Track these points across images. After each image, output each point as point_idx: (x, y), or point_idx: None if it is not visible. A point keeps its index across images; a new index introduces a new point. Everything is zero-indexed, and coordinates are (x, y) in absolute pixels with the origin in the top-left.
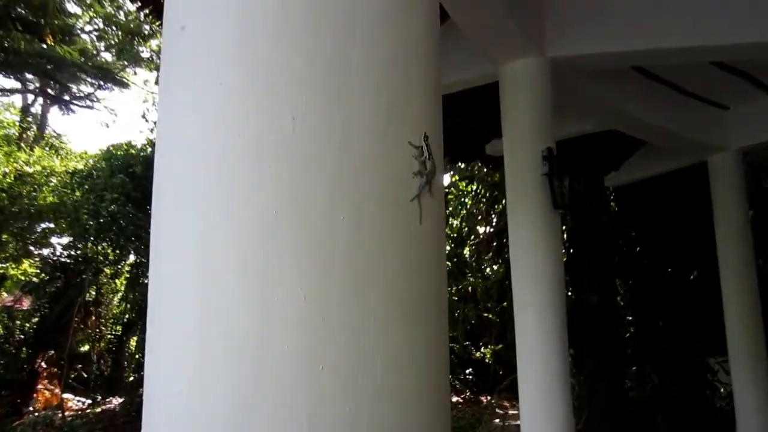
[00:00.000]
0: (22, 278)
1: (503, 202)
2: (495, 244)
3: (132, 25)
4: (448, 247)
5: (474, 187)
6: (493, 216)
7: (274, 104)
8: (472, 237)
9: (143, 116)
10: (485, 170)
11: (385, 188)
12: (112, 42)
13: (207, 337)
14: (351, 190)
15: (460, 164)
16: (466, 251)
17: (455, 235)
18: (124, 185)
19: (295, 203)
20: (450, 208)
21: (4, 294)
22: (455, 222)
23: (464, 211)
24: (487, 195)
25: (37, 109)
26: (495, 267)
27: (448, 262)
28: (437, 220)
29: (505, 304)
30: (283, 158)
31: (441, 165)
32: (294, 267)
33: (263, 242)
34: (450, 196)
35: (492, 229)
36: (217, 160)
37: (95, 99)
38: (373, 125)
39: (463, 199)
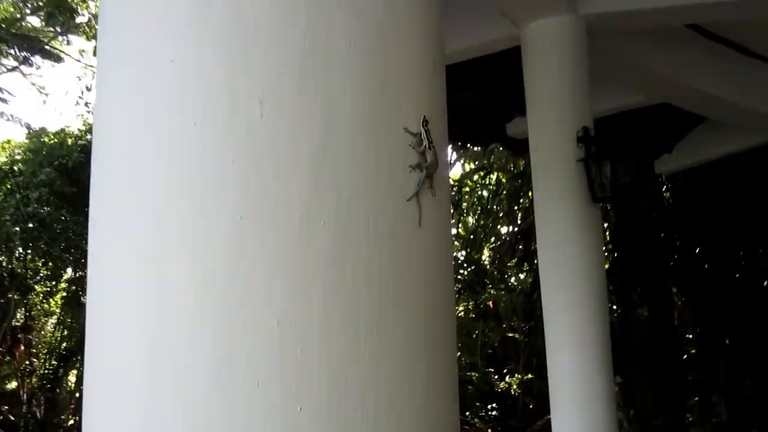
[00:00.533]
0: None
1: (529, 195)
2: (520, 247)
3: None
4: (462, 253)
5: (493, 178)
6: (518, 213)
7: (238, 85)
8: (492, 240)
9: (80, 96)
10: (506, 156)
11: (375, 186)
12: (40, 3)
13: (158, 373)
14: (333, 189)
15: (474, 148)
16: (485, 257)
17: (471, 236)
18: (52, 182)
19: (265, 207)
20: (463, 204)
21: None
22: (470, 220)
23: (481, 207)
24: (509, 187)
25: None
26: (521, 276)
27: (462, 271)
28: (441, 224)
29: (533, 322)
30: (249, 151)
31: (445, 155)
32: (264, 286)
33: (226, 256)
34: (464, 189)
35: (516, 230)
36: (169, 155)
37: (23, 74)
38: (360, 109)
39: (480, 192)
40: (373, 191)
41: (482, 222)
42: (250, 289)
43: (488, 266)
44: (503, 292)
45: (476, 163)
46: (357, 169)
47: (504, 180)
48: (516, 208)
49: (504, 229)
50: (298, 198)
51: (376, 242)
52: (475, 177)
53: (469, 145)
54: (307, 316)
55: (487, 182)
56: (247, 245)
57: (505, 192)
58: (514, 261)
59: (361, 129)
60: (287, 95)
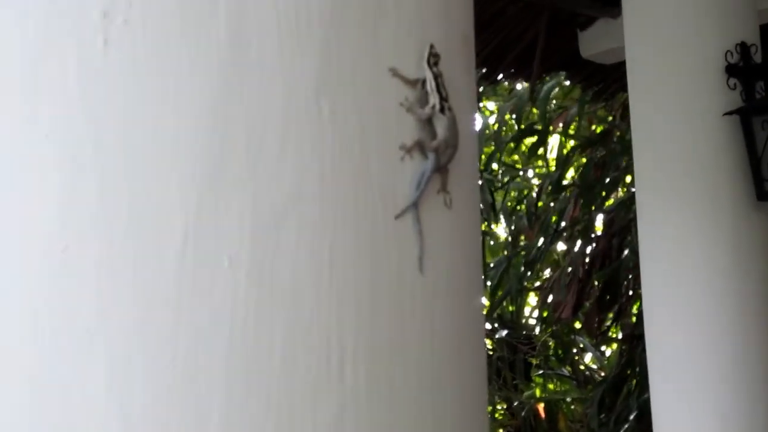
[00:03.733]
0: None
1: (625, 181)
2: (597, 288)
3: None
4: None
5: (550, 147)
6: (598, 216)
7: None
8: (537, 271)
9: None
10: (580, 102)
11: (328, 192)
12: None
13: None
14: (239, 196)
15: (515, 84)
16: (527, 306)
17: (503, 269)
18: None
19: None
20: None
21: None
22: (499, 232)
23: (522, 207)
24: (582, 165)
25: None
26: (603, 350)
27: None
28: (464, 263)
29: None
30: (109, 129)
31: (472, 122)
32: (101, 375)
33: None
34: (493, 170)
35: (593, 248)
36: None
37: None
38: (300, 27)
39: (522, 175)
40: (326, 203)
41: (522, 235)
42: (88, 376)
43: (535, 328)
44: (567, 385)
45: (513, 116)
46: (291, 156)
47: (567, 147)
48: (592, 207)
49: (562, 248)
50: (176, 211)
51: (327, 304)
52: (513, 145)
53: (503, 78)
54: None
55: (538, 155)
56: (94, 303)
57: (573, 176)
58: (579, 320)
59: (295, 68)
60: (164, 24)
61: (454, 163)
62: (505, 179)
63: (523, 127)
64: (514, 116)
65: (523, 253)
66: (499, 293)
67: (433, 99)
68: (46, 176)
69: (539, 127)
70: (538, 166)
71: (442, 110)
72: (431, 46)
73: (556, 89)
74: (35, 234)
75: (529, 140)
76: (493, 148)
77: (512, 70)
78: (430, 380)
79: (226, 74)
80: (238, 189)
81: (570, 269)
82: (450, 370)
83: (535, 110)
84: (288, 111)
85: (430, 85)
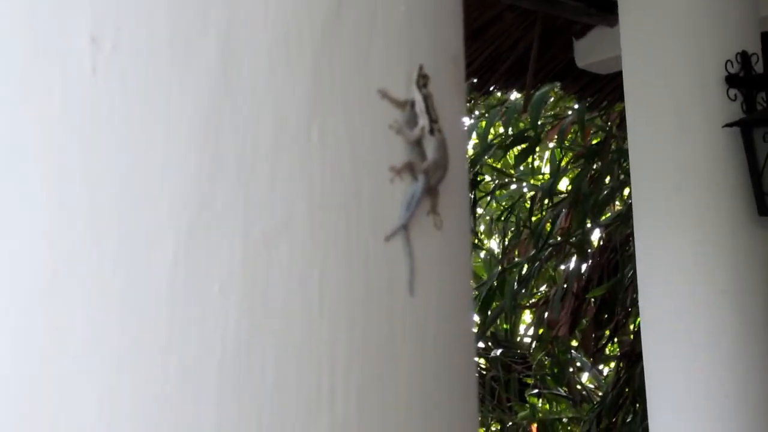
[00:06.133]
0: None
1: (624, 193)
2: (592, 304)
3: None
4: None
5: (545, 158)
6: (594, 232)
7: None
8: (542, 289)
9: None
10: (575, 113)
11: (322, 218)
12: None
13: None
14: (239, 220)
15: (508, 94)
16: (522, 324)
17: (494, 286)
18: None
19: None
20: (478, 212)
21: None
22: (493, 246)
23: (513, 218)
24: (577, 178)
25: None
26: (600, 369)
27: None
28: (453, 284)
29: None
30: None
31: (462, 140)
32: (92, 402)
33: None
34: (483, 181)
35: (589, 264)
36: None
37: None
38: (288, 49)
39: (512, 188)
40: (316, 227)
41: (516, 251)
42: None
43: (530, 346)
44: (563, 404)
45: (507, 128)
46: (281, 180)
47: (564, 160)
48: (587, 223)
49: (565, 266)
50: (166, 237)
51: (318, 330)
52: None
53: (495, 88)
54: None
55: (529, 164)
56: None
57: (568, 187)
58: (574, 337)
59: (286, 91)
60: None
61: (443, 185)
62: (491, 185)
63: (512, 132)
64: (502, 122)
65: (515, 269)
66: (493, 307)
67: (423, 120)
68: (33, 203)
69: (531, 134)
70: (526, 174)
71: (431, 132)
72: (420, 67)
73: (551, 99)
74: (22, 259)
75: (519, 148)
76: (478, 150)
77: (505, 81)
78: (420, 405)
79: (216, 99)
80: (229, 214)
81: (565, 286)
82: (441, 395)
83: (521, 124)
84: (279, 135)
85: (420, 106)
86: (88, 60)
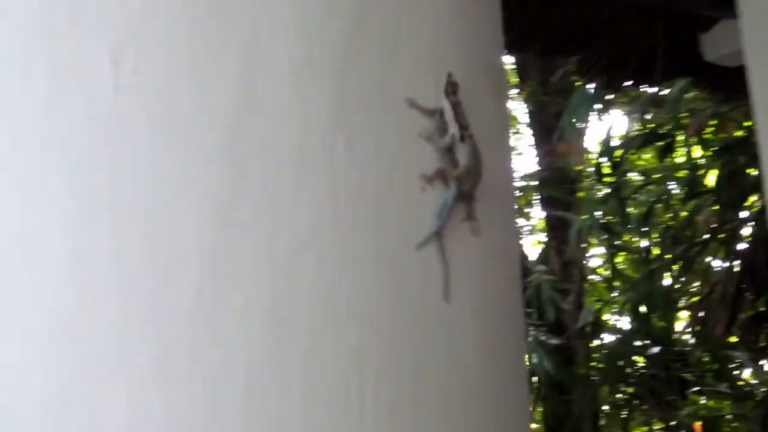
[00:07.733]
0: None
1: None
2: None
3: None
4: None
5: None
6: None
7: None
8: (696, 286)
9: None
10: (709, 108)
11: (349, 229)
12: None
13: None
14: (263, 235)
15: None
16: (680, 325)
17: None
18: None
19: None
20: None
21: None
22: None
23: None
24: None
25: None
26: (761, 364)
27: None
28: (494, 292)
29: None
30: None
31: (504, 147)
32: (122, 419)
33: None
34: (629, 178)
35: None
36: None
37: None
38: (314, 60)
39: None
40: (344, 238)
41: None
42: None
43: (690, 345)
44: (727, 402)
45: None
46: (307, 192)
47: (704, 155)
48: (734, 216)
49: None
50: (191, 253)
51: (345, 340)
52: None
53: (626, 84)
54: None
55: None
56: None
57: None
58: (735, 334)
59: (309, 100)
60: (162, 46)
61: (483, 191)
62: (636, 183)
63: (648, 130)
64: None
65: (662, 267)
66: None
67: (452, 128)
68: (58, 224)
69: (669, 128)
70: (667, 169)
71: (462, 138)
72: (449, 75)
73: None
74: (49, 279)
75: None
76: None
77: (635, 77)
78: (460, 412)
79: (238, 115)
80: (254, 229)
81: (718, 282)
82: (481, 403)
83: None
84: (303, 148)
85: (449, 114)
86: (110, 81)
